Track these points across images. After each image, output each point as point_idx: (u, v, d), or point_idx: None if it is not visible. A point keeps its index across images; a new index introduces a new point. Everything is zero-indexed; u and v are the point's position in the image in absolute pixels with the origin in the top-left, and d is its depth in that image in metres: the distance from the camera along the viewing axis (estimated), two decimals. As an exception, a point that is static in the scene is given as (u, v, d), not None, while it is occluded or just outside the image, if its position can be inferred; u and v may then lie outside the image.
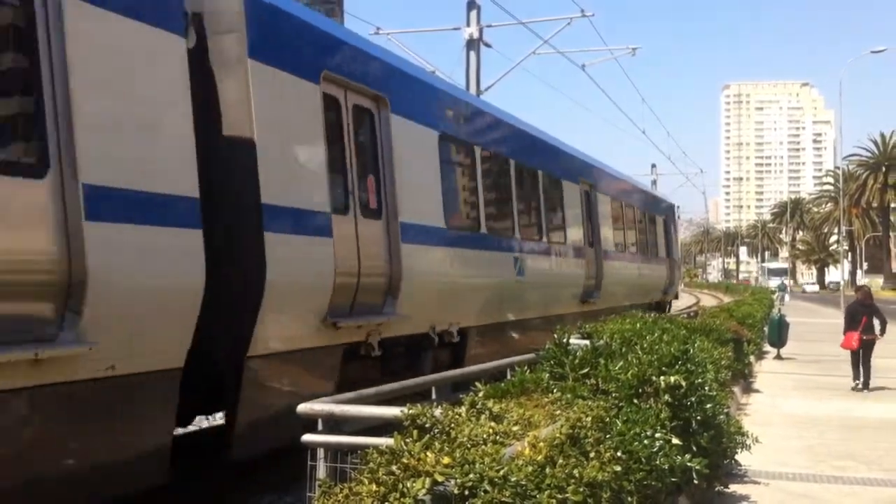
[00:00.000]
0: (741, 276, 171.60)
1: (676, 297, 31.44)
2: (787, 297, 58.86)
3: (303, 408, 6.13)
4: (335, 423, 6.12)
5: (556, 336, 7.97)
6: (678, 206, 36.02)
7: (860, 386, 17.49)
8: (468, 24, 26.06)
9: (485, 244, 13.93)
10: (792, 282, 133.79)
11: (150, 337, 6.99)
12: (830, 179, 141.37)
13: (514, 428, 5.27)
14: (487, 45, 26.59)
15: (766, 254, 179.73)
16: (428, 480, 4.06)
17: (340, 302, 9.62)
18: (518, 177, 15.72)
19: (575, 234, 18.79)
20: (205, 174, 7.59)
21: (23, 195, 6.06)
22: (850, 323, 18.02)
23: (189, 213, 7.33)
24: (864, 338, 17.63)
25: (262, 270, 8.34)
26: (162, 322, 7.10)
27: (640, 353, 7.94)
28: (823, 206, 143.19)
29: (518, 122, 16.78)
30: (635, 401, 6.99)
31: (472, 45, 26.08)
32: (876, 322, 17.88)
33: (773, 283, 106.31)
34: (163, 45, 7.33)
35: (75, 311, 6.26)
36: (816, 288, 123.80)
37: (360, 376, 10.07)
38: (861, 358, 17.62)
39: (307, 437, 6.04)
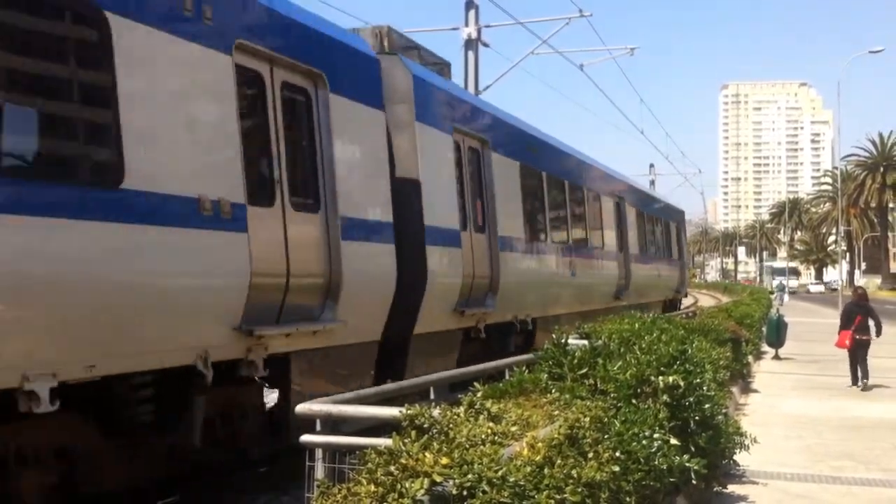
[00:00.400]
0: (740, 275, 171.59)
1: (686, 296, 34.58)
2: (786, 298, 58.85)
3: (301, 408, 6.13)
4: (334, 424, 6.12)
5: (554, 336, 7.98)
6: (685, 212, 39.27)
7: (857, 385, 17.68)
8: (467, 24, 26.06)
9: (550, 251, 17.32)
10: (797, 282, 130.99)
11: (369, 319, 10.54)
12: (829, 179, 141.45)
13: (513, 428, 5.27)
14: (486, 45, 26.59)
15: (765, 254, 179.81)
16: (426, 481, 4.06)
17: (464, 297, 12.99)
18: (570, 194, 19.09)
19: (610, 241, 22.28)
20: (394, 206, 10.98)
21: (309, 225, 9.53)
22: (846, 322, 18.30)
23: (389, 234, 10.86)
24: (858, 337, 17.83)
25: (424, 273, 11.67)
26: (375, 309, 10.64)
27: (638, 353, 7.94)
28: (822, 206, 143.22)
29: (569, 148, 20.33)
30: (634, 401, 6.99)
31: (471, 44, 26.07)
32: (871, 323, 18.05)
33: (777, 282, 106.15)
34: (375, 118, 10.92)
35: (333, 300, 9.66)
36: (821, 288, 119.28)
37: (472, 352, 13.23)
38: (857, 358, 17.83)
39: (305, 438, 6.04)
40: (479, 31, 26.06)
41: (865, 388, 17.57)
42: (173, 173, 7.60)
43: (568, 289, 18.47)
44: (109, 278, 6.86)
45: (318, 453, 5.94)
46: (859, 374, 17.86)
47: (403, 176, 11.54)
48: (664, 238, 30.70)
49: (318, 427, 6.08)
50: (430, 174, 12.07)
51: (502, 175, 14.83)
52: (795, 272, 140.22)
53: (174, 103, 7.77)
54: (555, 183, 18.11)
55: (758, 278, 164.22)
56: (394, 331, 11.10)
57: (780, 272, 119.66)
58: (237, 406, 9.18)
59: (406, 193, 11.50)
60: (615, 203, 23.26)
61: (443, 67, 14.62)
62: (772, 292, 55.56)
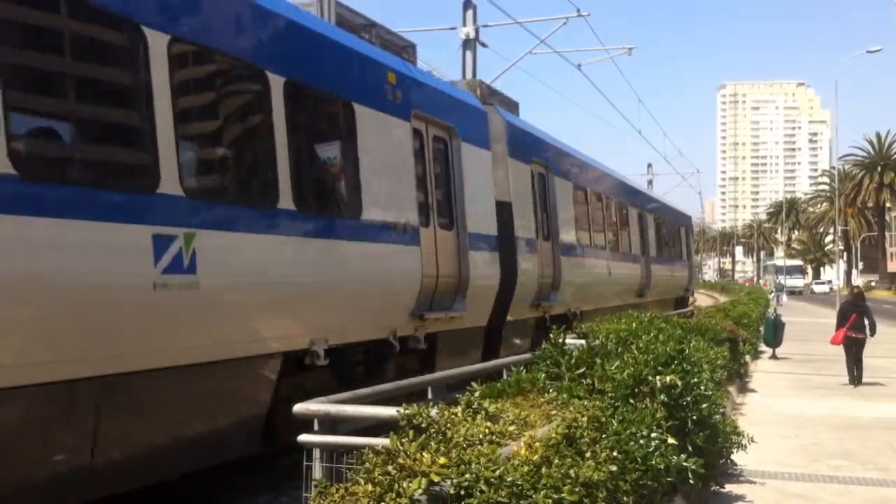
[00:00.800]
0: (738, 275, 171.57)
1: (693, 294, 38.07)
2: (784, 298, 58.85)
3: (299, 408, 6.13)
4: (331, 424, 6.12)
5: (552, 336, 7.99)
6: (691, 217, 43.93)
7: (851, 382, 17.99)
8: (464, 24, 26.02)
9: (594, 256, 20.87)
10: (803, 281, 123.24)
11: (482, 309, 13.90)
12: (826, 179, 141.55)
13: (510, 428, 5.27)
14: (484, 45, 26.56)
15: (762, 253, 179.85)
16: (424, 481, 4.06)
17: (537, 293, 16.39)
18: (607, 207, 22.99)
19: (636, 246, 26.17)
20: (498, 222, 14.44)
21: (449, 239, 12.77)
22: (841, 321, 18.67)
23: (495, 244, 14.23)
24: (852, 335, 18.14)
25: (515, 274, 15.02)
26: (485, 302, 14.01)
27: (635, 352, 7.95)
28: (819, 205, 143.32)
29: (603, 166, 24.33)
30: (631, 400, 6.99)
31: (469, 44, 26.04)
32: (866, 321, 18.29)
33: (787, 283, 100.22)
34: (484, 156, 14.42)
35: (463, 295, 12.98)
36: (826, 288, 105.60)
37: (539, 337, 14.62)
38: (853, 356, 18.16)
39: (303, 437, 6.04)
40: (476, 31, 26.04)
41: (856, 384, 17.91)
42: (384, 207, 10.97)
43: (605, 287, 22.06)
44: (355, 279, 10.31)
45: (316, 453, 5.94)
46: (855, 372, 18.15)
47: (501, 199, 14.94)
48: (676, 242, 34.63)
49: (316, 427, 6.09)
50: (517, 196, 15.69)
51: (560, 194, 18.43)
52: (802, 271, 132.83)
53: (384, 159, 11.18)
54: (596, 197, 21.96)
55: (756, 277, 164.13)
56: (494, 318, 14.60)
57: (787, 271, 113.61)
58: (409, 369, 11.78)
59: (502, 213, 14.89)
60: (639, 212, 27.20)
61: (513, 107, 17.88)
62: (770, 292, 55.59)
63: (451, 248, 12.79)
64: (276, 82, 9.00)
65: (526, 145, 16.77)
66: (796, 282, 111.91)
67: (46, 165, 6.88)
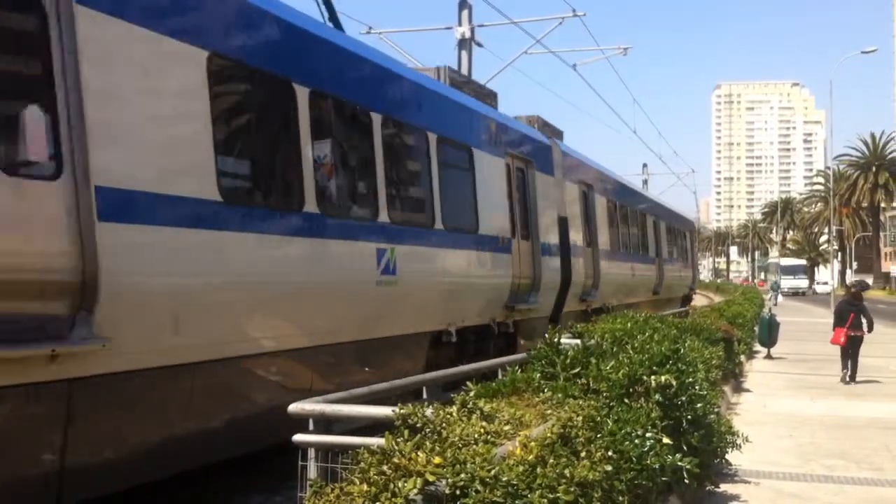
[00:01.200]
0: (732, 275, 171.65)
1: (695, 292, 42.60)
2: (780, 298, 58.88)
3: (294, 408, 6.12)
4: (326, 423, 6.11)
5: (547, 335, 7.99)
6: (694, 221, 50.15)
7: (847, 378, 18.34)
8: (460, 24, 26.03)
9: (623, 258, 24.84)
10: (809, 283, 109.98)
11: (548, 303, 16.97)
12: (821, 179, 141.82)
13: (506, 427, 5.27)
14: (479, 45, 26.56)
15: (757, 253, 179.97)
16: (419, 480, 4.06)
17: (583, 290, 19.84)
18: (631, 217, 26.74)
19: (651, 250, 29.76)
20: (559, 233, 17.94)
21: (527, 247, 15.98)
22: (839, 320, 19.08)
23: (557, 251, 17.45)
24: (851, 334, 18.59)
25: (570, 275, 18.33)
26: (551, 297, 17.12)
27: (631, 352, 7.95)
28: (814, 205, 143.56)
29: (629, 182, 29.28)
30: (626, 400, 7.00)
31: (464, 44, 26.05)
32: (863, 320, 18.71)
33: (785, 283, 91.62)
34: (550, 181, 17.72)
35: (536, 291, 15.93)
36: (828, 288, 79.47)
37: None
38: (849, 353, 18.55)
39: (298, 437, 6.03)
40: (472, 31, 26.04)
41: (847, 381, 18.32)
42: (492, 225, 14.29)
43: (631, 285, 25.86)
44: (476, 280, 13.73)
45: (311, 453, 5.93)
46: (849, 368, 18.51)
47: (560, 214, 18.41)
48: (682, 246, 38.50)
49: (311, 426, 6.08)
50: (570, 212, 19.24)
51: (598, 207, 22.14)
52: (805, 270, 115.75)
53: (492, 188, 14.51)
54: (623, 209, 25.50)
55: (750, 276, 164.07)
56: (555, 310, 17.79)
57: (790, 270, 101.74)
58: (501, 347, 14.56)
59: (561, 225, 18.37)
60: (653, 220, 30.75)
61: (559, 134, 20.75)
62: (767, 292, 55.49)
63: (529, 255, 16.03)
64: (432, 139, 12.47)
65: (575, 170, 20.54)
66: (799, 282, 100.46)
67: (332, 205, 10.11)
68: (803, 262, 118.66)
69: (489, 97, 16.90)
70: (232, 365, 8.18)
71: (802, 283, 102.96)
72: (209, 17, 8.04)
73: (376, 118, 10.82)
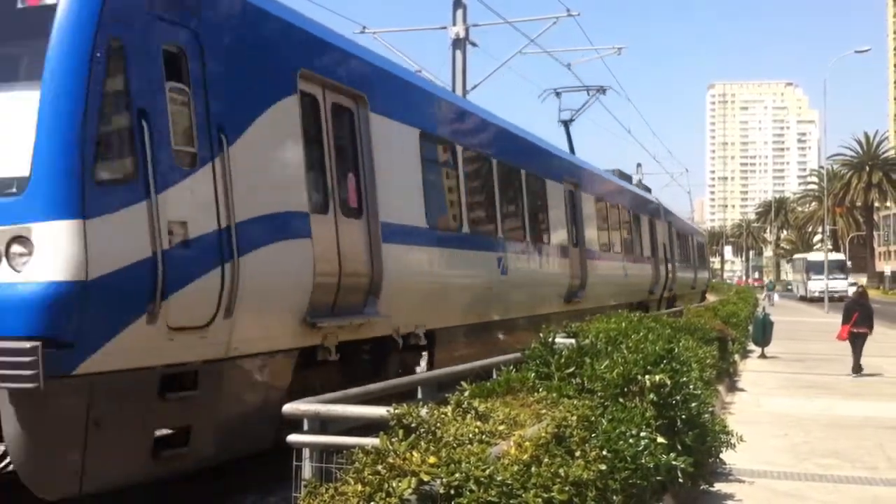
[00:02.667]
0: (727, 274, 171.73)
1: (706, 289, 48.47)
2: (776, 297, 58.88)
3: (288, 408, 6.12)
4: (321, 423, 6.11)
5: (541, 335, 7.99)
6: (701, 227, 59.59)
7: (856, 373, 19.61)
8: (454, 24, 26.03)
9: (677, 263, 33.50)
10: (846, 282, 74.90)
11: (606, 298, 22.12)
12: (815, 179, 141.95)
13: (500, 427, 5.27)
14: (474, 45, 26.57)
15: (751, 252, 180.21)
16: (414, 480, 4.06)
17: (652, 285, 28.98)
18: (651, 226, 30.78)
19: (667, 254, 33.58)
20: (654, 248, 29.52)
21: (564, 264, 19.57)
22: (845, 318, 20.42)
23: (647, 260, 28.07)
24: (854, 331, 19.87)
25: (660, 278, 29.82)
26: (614, 293, 23.57)
27: (625, 352, 7.96)
28: (808, 205, 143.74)
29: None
30: (620, 400, 7.00)
31: (459, 44, 26.05)
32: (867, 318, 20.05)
33: (815, 285, 69.63)
34: (655, 222, 31.00)
35: (582, 288, 20.18)
36: (853, 288, 53.81)
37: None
38: (853, 348, 19.90)
39: (293, 437, 6.02)
40: (466, 31, 26.04)
41: (856, 373, 19.53)
42: (597, 243, 21.45)
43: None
44: (551, 277, 18.46)
45: (306, 453, 5.93)
46: (853, 362, 19.78)
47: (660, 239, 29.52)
48: (693, 250, 43.81)
49: (306, 426, 6.07)
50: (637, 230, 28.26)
51: (661, 230, 31.77)
52: (843, 267, 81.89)
53: (599, 221, 22.19)
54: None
55: (745, 276, 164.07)
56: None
57: (822, 268, 68.03)
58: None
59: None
60: (669, 228, 35.04)
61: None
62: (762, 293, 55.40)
63: (578, 260, 20.16)
64: (523, 174, 16.98)
65: (675, 216, 33.81)
66: (835, 282, 69.53)
67: (475, 227, 14.22)
68: (840, 256, 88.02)
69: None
70: (441, 330, 12.71)
71: (839, 283, 71.16)
72: (419, 110, 12.57)
73: (494, 161, 15.40)
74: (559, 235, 18.92)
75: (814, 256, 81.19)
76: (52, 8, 6.79)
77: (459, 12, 26.05)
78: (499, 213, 15.23)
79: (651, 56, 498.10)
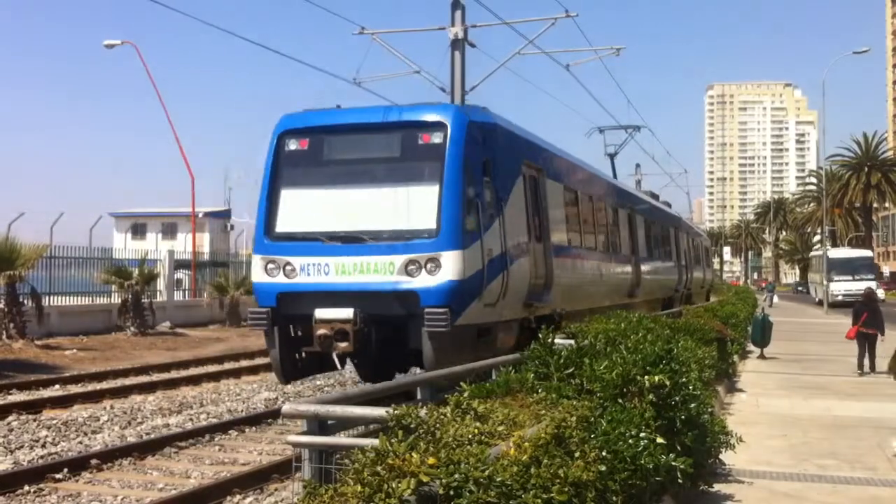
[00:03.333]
0: (725, 275, 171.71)
1: (711, 288, 50.17)
2: (775, 298, 58.87)
3: (287, 408, 6.12)
4: (320, 424, 6.11)
5: (541, 336, 7.99)
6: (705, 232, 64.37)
7: (865, 370, 20.29)
8: (453, 24, 26.03)
9: (673, 265, 34.39)
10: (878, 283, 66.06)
11: (650, 294, 27.93)
12: (813, 180, 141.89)
13: (500, 428, 5.27)
14: (472, 45, 26.57)
15: (750, 253, 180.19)
16: (413, 481, 4.06)
17: (677, 284, 34.00)
18: (679, 237, 36.25)
19: (686, 259, 38.08)
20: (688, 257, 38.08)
21: (670, 269, 33.07)
22: (854, 318, 21.19)
23: (677, 267, 35.53)
24: (862, 330, 20.55)
25: (685, 279, 36.09)
26: (655, 290, 29.46)
27: (624, 352, 7.95)
28: (806, 206, 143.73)
29: (686, 218, 45.20)
30: (620, 400, 7.00)
31: (457, 44, 26.05)
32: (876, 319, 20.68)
33: (840, 286, 60.56)
34: (695, 235, 44.03)
35: (638, 286, 25.35)
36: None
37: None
38: (865, 348, 20.56)
39: (292, 438, 6.03)
40: (465, 31, 26.05)
41: (864, 373, 20.20)
42: (646, 252, 27.24)
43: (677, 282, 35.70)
44: (661, 278, 30.78)
45: (305, 453, 5.93)
46: (866, 362, 20.38)
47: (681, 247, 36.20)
48: (702, 255, 47.60)
49: (306, 427, 6.08)
50: (692, 246, 39.88)
51: (684, 237, 37.47)
52: (871, 267, 69.11)
53: (647, 235, 27.99)
54: (674, 233, 35.02)
55: (744, 277, 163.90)
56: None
57: (846, 267, 62.26)
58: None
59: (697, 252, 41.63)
60: (686, 235, 39.13)
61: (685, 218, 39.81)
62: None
63: (634, 266, 24.90)
64: (646, 221, 27.56)
65: (690, 226, 41.32)
66: (861, 283, 54.98)
67: (615, 248, 22.82)
68: (867, 252, 74.99)
69: (655, 195, 36.58)
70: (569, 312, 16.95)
71: (868, 284, 50.67)
72: (562, 172, 18.19)
73: (622, 211, 24.21)
74: (626, 248, 24.33)
75: (837, 253, 68.91)
76: (442, 147, 13.01)
77: (458, 13, 26.05)
78: (598, 234, 21.08)
79: (650, 57, 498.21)
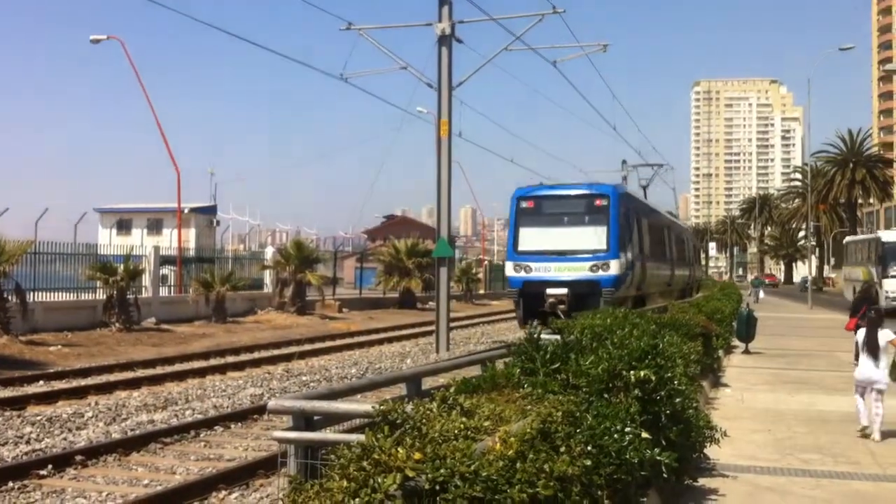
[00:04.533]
0: (710, 270, 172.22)
1: (699, 283, 53.75)
2: (761, 294, 59.24)
3: (273, 404, 6.11)
4: (307, 420, 6.10)
5: (528, 331, 8.00)
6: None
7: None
8: (440, 20, 26.04)
9: (687, 266, 43.28)
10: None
11: (679, 286, 38.79)
12: (798, 175, 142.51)
13: (485, 423, 5.27)
14: (459, 41, 26.59)
15: (735, 249, 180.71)
16: (399, 476, 4.06)
17: (686, 286, 40.94)
18: (689, 245, 45.45)
19: (692, 260, 46.55)
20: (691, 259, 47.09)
21: (688, 271, 44.35)
22: (853, 311, 22.71)
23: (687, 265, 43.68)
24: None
25: (693, 279, 45.33)
26: (680, 285, 39.82)
27: (610, 347, 7.98)
28: (791, 201, 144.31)
29: (681, 222, 54.09)
30: (605, 395, 7.02)
31: (444, 40, 26.07)
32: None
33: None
34: (690, 237, 53.40)
35: (672, 278, 37.75)
36: None
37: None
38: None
39: (278, 434, 6.02)
40: (452, 27, 26.06)
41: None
42: (678, 258, 40.63)
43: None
44: (681, 278, 40.30)
45: (291, 449, 5.93)
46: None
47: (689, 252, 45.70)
48: (693, 255, 52.92)
49: (291, 423, 6.07)
50: (694, 250, 50.30)
51: (686, 241, 44.53)
52: None
53: (679, 246, 41.21)
54: (686, 241, 43.44)
55: (729, 273, 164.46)
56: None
57: None
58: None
59: (691, 253, 47.18)
60: (690, 242, 47.22)
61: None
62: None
63: (688, 270, 38.78)
64: (677, 237, 39.06)
65: (684, 229, 46.29)
66: None
67: (656, 257, 32.06)
68: None
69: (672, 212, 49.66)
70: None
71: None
72: (648, 213, 31.13)
73: (671, 233, 37.05)
74: (671, 255, 34.82)
75: (892, 235, 50.03)
76: (606, 206, 24.21)
77: (445, 9, 26.06)
78: (661, 248, 32.25)
79: (636, 53, 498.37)
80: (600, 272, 23.50)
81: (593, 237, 24.01)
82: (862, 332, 12.50)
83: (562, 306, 22.62)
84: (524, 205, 25.01)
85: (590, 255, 23.69)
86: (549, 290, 23.37)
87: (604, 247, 23.77)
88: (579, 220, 24.55)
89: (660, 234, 32.74)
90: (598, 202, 24.51)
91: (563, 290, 23.28)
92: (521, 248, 24.51)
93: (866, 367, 12.23)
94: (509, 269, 24.91)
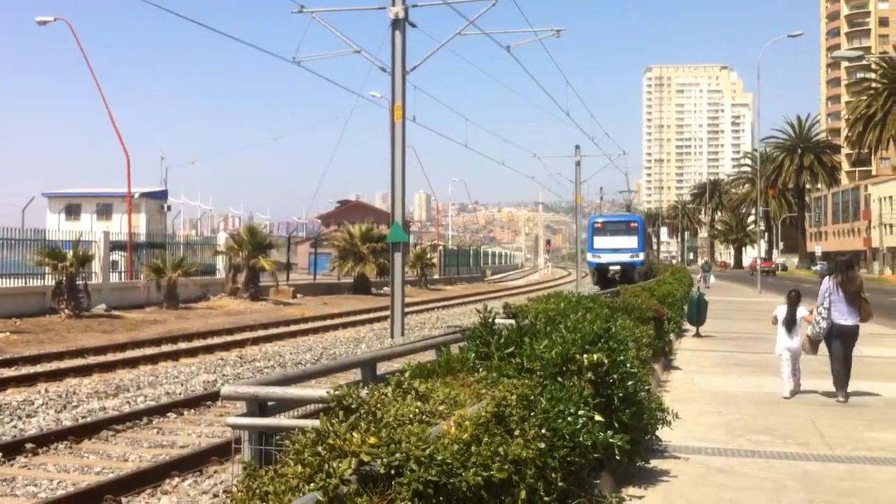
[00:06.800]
0: (662, 255, 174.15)
1: (651, 270, 61.68)
2: (711, 279, 60.15)
3: (227, 390, 6.07)
4: (260, 406, 6.07)
5: (482, 315, 8.03)
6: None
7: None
8: (393, 4, 25.92)
9: (651, 254, 71.90)
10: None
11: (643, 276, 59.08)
12: (748, 161, 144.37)
13: (440, 407, 5.29)
14: (413, 25, 26.48)
15: (686, 234, 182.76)
16: (354, 461, 4.05)
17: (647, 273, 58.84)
18: (649, 236, 72.99)
19: (652, 248, 78.80)
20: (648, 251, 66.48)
21: (647, 260, 61.74)
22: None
23: (649, 258, 63.56)
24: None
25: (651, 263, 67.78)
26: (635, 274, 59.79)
27: (563, 331, 8.03)
28: (741, 187, 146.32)
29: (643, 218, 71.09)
30: (559, 379, 7.07)
31: (398, 24, 25.95)
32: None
33: None
34: (650, 232, 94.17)
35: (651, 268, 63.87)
36: None
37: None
38: None
39: (232, 420, 5.98)
40: (406, 11, 25.95)
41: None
42: (646, 250, 60.19)
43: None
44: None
45: (245, 435, 5.89)
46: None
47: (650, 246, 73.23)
48: (652, 242, 77.72)
49: (245, 409, 6.03)
50: (650, 242, 75.01)
51: (649, 235, 70.44)
52: None
53: (649, 238, 71.01)
54: (649, 233, 66.94)
55: (680, 258, 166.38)
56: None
57: None
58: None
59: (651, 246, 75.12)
60: (650, 233, 68.33)
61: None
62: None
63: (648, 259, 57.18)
64: (648, 233, 63.68)
65: (646, 225, 58.42)
66: None
67: (652, 252, 75.66)
68: None
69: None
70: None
71: None
72: (649, 224, 79.62)
73: (651, 233, 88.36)
74: (651, 247, 58.67)
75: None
76: (637, 227, 50.25)
77: (399, -8, 25.91)
78: (652, 244, 67.33)
79: (589, 39, 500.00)
80: (634, 259, 47.40)
81: (631, 241, 48.02)
82: (783, 309, 14.60)
83: (619, 276, 44.78)
84: (596, 224, 50.14)
85: (629, 251, 47.61)
86: (611, 268, 47.13)
87: (636, 246, 48.01)
88: (623, 233, 48.45)
89: (650, 237, 52.00)
90: (632, 224, 50.17)
91: (617, 268, 46.78)
92: (595, 246, 48.77)
93: (784, 339, 14.47)
94: (589, 257, 49.62)
